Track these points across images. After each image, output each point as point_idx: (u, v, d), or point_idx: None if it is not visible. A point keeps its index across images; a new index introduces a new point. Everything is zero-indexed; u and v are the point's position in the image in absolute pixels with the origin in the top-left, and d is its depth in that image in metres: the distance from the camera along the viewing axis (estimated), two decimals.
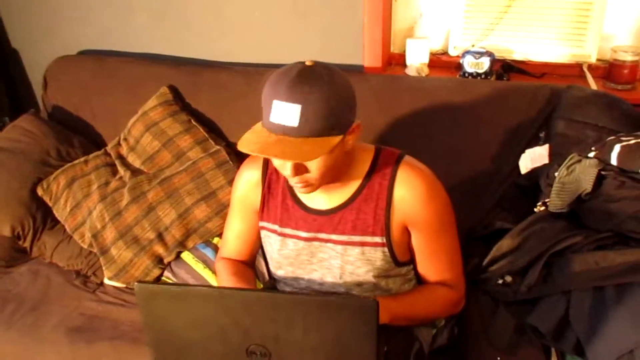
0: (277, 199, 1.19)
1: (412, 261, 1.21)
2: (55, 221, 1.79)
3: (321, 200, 1.14)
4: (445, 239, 1.16)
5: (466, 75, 1.75)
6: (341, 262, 1.14)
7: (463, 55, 1.75)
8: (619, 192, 1.12)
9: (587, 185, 1.15)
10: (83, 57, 2.12)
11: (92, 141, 1.98)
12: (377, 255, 1.13)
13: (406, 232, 1.14)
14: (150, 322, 0.94)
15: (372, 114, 1.62)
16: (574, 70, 1.72)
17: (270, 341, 0.89)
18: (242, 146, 0.97)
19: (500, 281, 1.23)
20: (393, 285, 1.20)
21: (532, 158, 1.42)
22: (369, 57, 1.84)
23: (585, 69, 1.69)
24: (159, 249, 1.64)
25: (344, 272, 1.15)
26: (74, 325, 1.49)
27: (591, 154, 1.21)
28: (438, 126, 1.61)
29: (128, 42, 2.11)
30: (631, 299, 1.01)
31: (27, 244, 1.77)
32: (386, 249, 1.13)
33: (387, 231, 1.11)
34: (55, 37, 2.21)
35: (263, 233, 1.24)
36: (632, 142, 1.17)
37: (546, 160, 1.38)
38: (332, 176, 1.07)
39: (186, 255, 1.65)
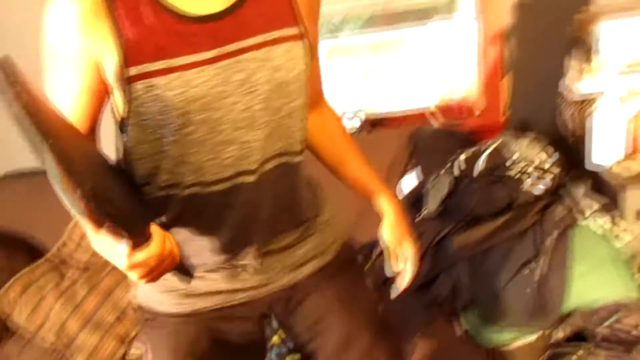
0: (144, 23, 0.80)
1: None
2: (13, 331, 1.91)
3: (204, 2, 0.83)
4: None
5: None
6: (268, 71, 0.86)
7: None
8: (466, 190, 1.63)
9: (444, 191, 1.65)
10: None
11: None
12: (299, 53, 0.90)
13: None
14: None
15: None
16: (421, 116, 2.29)
17: None
18: None
19: None
20: None
21: (406, 184, 1.91)
22: None
23: (427, 115, 2.27)
24: (121, 330, 1.84)
25: (273, 85, 0.87)
26: None
27: (456, 166, 1.71)
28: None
29: None
30: (490, 256, 1.49)
31: None
32: (306, 41, 0.91)
33: (300, 18, 0.91)
34: None
35: (141, 85, 0.80)
36: (470, 152, 1.70)
37: (416, 183, 1.87)
38: None
39: None
